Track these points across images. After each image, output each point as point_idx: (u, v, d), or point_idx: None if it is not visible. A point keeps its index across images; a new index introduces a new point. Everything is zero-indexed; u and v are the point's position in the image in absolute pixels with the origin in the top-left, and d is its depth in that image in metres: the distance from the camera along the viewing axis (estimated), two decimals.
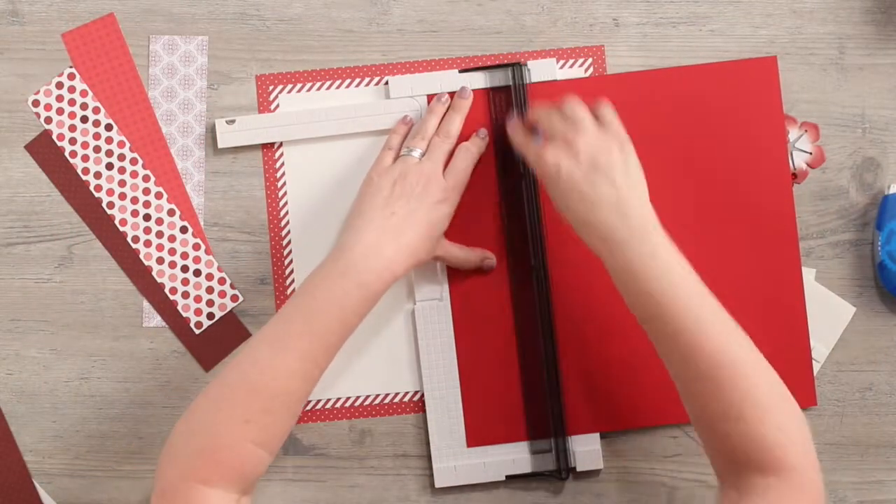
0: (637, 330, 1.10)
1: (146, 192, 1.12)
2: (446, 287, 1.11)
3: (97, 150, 1.12)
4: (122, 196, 1.12)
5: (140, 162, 1.12)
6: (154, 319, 1.11)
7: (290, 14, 1.12)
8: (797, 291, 1.10)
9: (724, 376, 0.91)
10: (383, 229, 1.01)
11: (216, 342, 1.11)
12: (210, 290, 1.11)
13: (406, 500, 1.11)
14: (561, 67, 1.12)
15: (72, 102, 1.11)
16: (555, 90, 1.10)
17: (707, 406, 0.92)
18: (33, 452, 1.11)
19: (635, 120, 1.10)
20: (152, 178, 1.12)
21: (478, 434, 1.10)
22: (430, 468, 1.11)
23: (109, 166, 1.12)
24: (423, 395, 1.11)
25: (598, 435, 1.10)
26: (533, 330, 1.10)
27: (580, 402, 1.09)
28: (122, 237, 1.11)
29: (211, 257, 1.12)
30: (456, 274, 1.10)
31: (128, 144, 1.12)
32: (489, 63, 1.12)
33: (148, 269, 1.11)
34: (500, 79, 1.10)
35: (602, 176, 0.96)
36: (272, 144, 1.12)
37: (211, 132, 1.12)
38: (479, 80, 1.11)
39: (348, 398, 1.11)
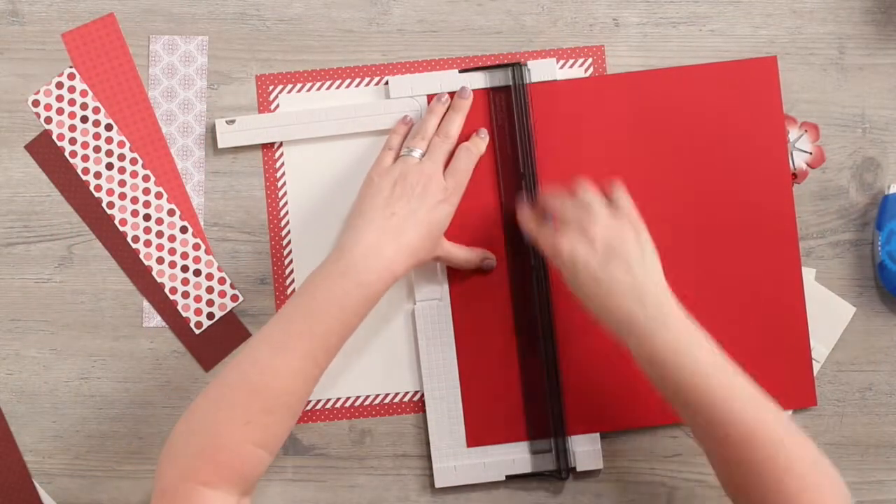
0: None
1: (146, 192, 1.12)
2: (446, 287, 1.11)
3: (97, 150, 1.12)
4: (122, 196, 1.12)
5: (140, 162, 1.12)
6: (154, 319, 1.11)
7: (290, 14, 1.12)
8: (797, 291, 1.10)
9: (762, 457, 0.90)
10: (384, 229, 1.01)
11: (216, 342, 1.11)
12: (210, 290, 1.11)
13: (406, 500, 1.11)
14: (561, 67, 1.12)
15: (72, 102, 1.12)
16: (555, 90, 1.10)
17: (745, 485, 0.91)
18: (33, 452, 1.11)
19: (635, 120, 1.11)
20: (152, 178, 1.12)
21: (478, 434, 1.10)
22: (430, 468, 1.11)
23: (109, 166, 1.12)
24: (423, 395, 1.11)
25: (598, 435, 1.10)
26: (533, 330, 1.10)
27: (580, 402, 1.09)
28: (122, 237, 1.11)
29: (211, 257, 1.12)
30: (456, 274, 1.10)
31: (128, 144, 1.12)
32: (489, 63, 1.12)
33: (148, 269, 1.11)
34: (500, 79, 1.10)
35: (618, 262, 0.96)
36: (272, 144, 1.12)
37: (211, 132, 1.12)
38: (479, 80, 1.11)
39: (348, 398, 1.11)
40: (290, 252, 1.11)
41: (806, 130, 1.12)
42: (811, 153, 1.12)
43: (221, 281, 1.11)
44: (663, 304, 0.95)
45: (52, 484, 1.11)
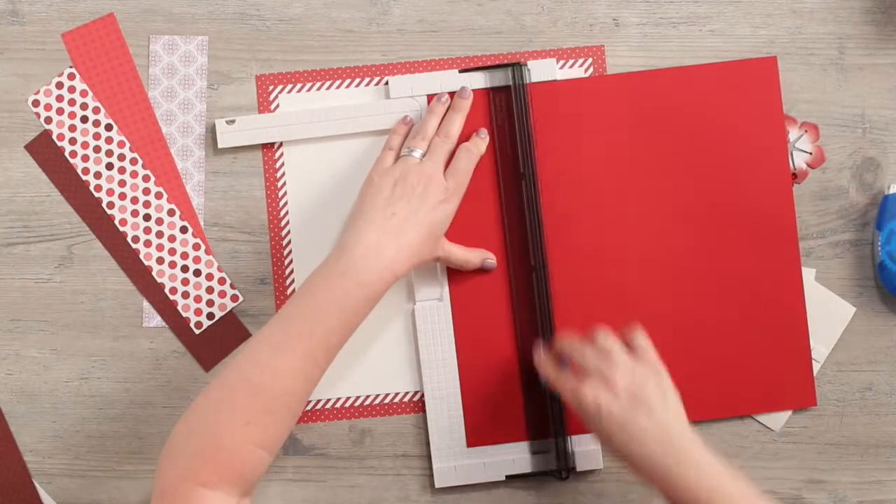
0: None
1: (146, 192, 1.12)
2: (446, 287, 1.11)
3: (97, 150, 1.12)
4: (122, 196, 1.12)
5: (140, 162, 1.12)
6: (154, 319, 1.11)
7: (290, 14, 1.12)
8: (797, 291, 1.10)
9: None
10: (384, 229, 1.00)
11: (216, 342, 1.11)
12: (210, 290, 1.11)
13: (406, 500, 1.11)
14: (561, 67, 1.12)
15: (72, 102, 1.11)
16: (555, 90, 1.10)
17: None
18: (33, 452, 1.11)
19: (635, 120, 1.11)
20: (152, 178, 1.12)
21: (478, 434, 1.10)
22: (430, 468, 1.11)
23: (109, 166, 1.12)
24: (423, 395, 1.11)
25: None
26: (533, 330, 1.10)
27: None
28: (122, 237, 1.11)
29: (211, 257, 1.12)
30: (456, 274, 1.10)
31: (128, 144, 1.12)
32: (489, 63, 1.12)
33: (148, 269, 1.11)
34: (500, 79, 1.10)
35: (642, 408, 0.96)
36: (272, 144, 1.12)
37: (211, 132, 1.12)
38: (479, 80, 1.11)
39: (348, 398, 1.11)
40: (290, 252, 1.11)
41: (806, 130, 1.12)
42: (811, 153, 1.12)
43: (221, 281, 1.11)
44: (690, 448, 0.95)
45: (52, 484, 1.11)
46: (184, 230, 1.12)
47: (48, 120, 1.12)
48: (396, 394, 1.11)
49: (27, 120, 1.12)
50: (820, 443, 1.12)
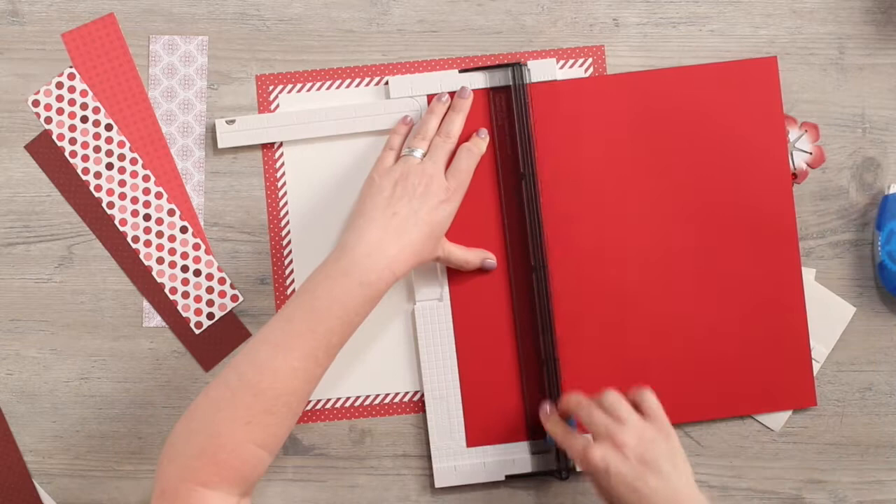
0: (637, 330, 1.10)
1: (146, 192, 1.12)
2: (446, 287, 1.11)
3: (97, 150, 1.12)
4: (122, 196, 1.12)
5: (140, 162, 1.12)
6: (154, 319, 1.11)
7: (290, 14, 1.12)
8: (797, 291, 1.10)
9: None
10: (385, 229, 1.01)
11: (216, 342, 1.11)
12: (210, 290, 1.11)
13: (406, 500, 1.11)
14: (561, 67, 1.12)
15: (72, 102, 1.11)
16: (555, 90, 1.10)
17: None
18: (33, 452, 1.11)
19: (635, 120, 1.11)
20: (152, 178, 1.12)
21: (478, 434, 1.10)
22: (430, 468, 1.11)
23: (109, 166, 1.12)
24: (423, 395, 1.11)
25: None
26: (533, 330, 1.10)
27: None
28: (122, 237, 1.11)
29: (211, 257, 1.12)
30: (456, 274, 1.10)
31: (128, 144, 1.12)
32: (489, 63, 1.12)
33: (148, 269, 1.11)
34: (500, 79, 1.10)
35: (651, 470, 0.95)
36: (272, 144, 1.12)
37: (211, 132, 1.12)
38: (479, 80, 1.11)
39: (348, 398, 1.11)
40: (290, 252, 1.11)
41: (806, 130, 1.12)
42: (811, 153, 1.12)
43: (221, 281, 1.11)
44: (695, 503, 0.96)
45: (52, 484, 1.11)
46: (184, 230, 1.12)
47: (48, 120, 1.12)
48: (396, 394, 1.11)
49: (27, 120, 1.12)
50: (820, 443, 1.12)
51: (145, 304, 1.11)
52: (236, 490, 0.93)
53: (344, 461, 1.11)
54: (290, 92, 1.12)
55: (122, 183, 1.11)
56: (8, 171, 1.12)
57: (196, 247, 1.12)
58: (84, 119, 1.11)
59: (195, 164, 1.12)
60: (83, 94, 1.12)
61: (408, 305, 1.11)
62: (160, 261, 1.11)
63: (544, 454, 1.10)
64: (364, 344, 1.10)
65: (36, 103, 1.12)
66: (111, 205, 1.11)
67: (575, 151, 1.10)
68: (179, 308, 1.11)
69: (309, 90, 1.12)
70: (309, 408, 1.11)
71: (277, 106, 1.12)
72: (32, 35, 1.12)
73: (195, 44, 1.12)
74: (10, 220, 1.12)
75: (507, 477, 1.10)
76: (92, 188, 1.11)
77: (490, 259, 1.10)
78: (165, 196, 1.12)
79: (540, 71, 1.11)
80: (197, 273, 1.11)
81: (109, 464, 1.11)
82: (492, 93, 1.11)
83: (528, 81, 1.10)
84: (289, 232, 1.12)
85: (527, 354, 1.10)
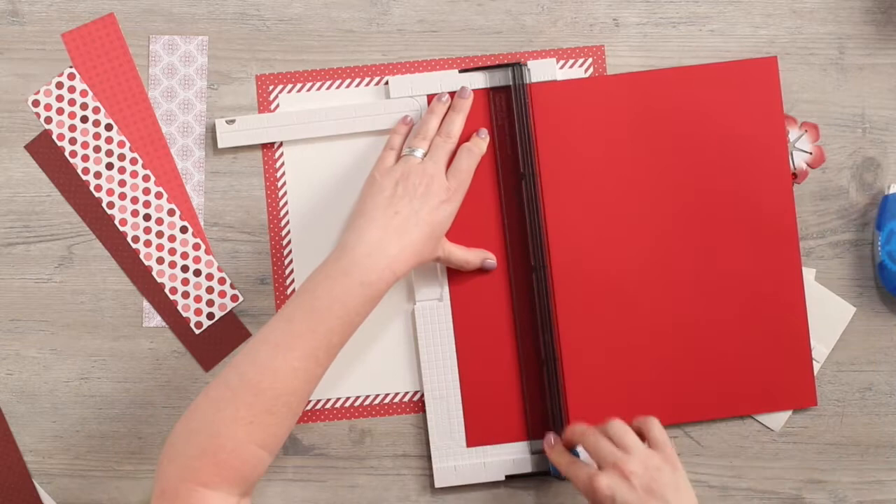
0: (637, 330, 1.10)
1: (146, 192, 1.12)
2: (446, 287, 1.11)
3: (97, 150, 1.12)
4: (122, 196, 1.12)
5: (140, 162, 1.12)
6: (154, 319, 1.11)
7: (290, 14, 1.12)
8: (797, 291, 1.10)
9: None
10: (386, 228, 1.01)
11: (216, 342, 1.11)
12: (210, 290, 1.11)
13: (406, 500, 1.11)
14: (561, 67, 1.12)
15: (72, 102, 1.11)
16: (555, 90, 1.10)
17: None
18: (33, 452, 1.11)
19: (635, 120, 1.11)
20: (152, 178, 1.12)
21: (478, 434, 1.10)
22: (430, 468, 1.11)
23: (109, 166, 1.12)
24: (423, 395, 1.11)
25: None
26: (533, 330, 1.10)
27: (580, 403, 1.09)
28: (122, 237, 1.11)
29: (211, 257, 1.12)
30: (456, 274, 1.10)
31: (128, 144, 1.12)
32: (489, 63, 1.12)
33: (148, 269, 1.11)
34: (500, 79, 1.10)
35: (657, 499, 0.95)
36: (272, 144, 1.12)
37: (211, 132, 1.12)
38: (479, 80, 1.11)
39: (348, 398, 1.11)
40: (290, 252, 1.11)
41: (806, 130, 1.12)
42: (811, 153, 1.12)
43: (221, 281, 1.11)
44: None
45: (52, 484, 1.11)
46: (184, 230, 1.12)
47: (48, 120, 1.12)
48: (396, 394, 1.11)
49: (27, 120, 1.12)
50: (820, 443, 1.12)
51: (145, 304, 1.11)
52: (236, 490, 0.93)
53: (344, 461, 1.11)
54: (290, 92, 1.12)
55: (122, 183, 1.11)
56: (8, 171, 1.12)
57: (196, 247, 1.12)
58: (84, 119, 1.12)
59: (195, 164, 1.12)
60: (83, 94, 1.12)
61: (408, 305, 1.11)
62: (160, 261, 1.11)
63: (544, 454, 1.10)
64: (364, 344, 1.10)
65: (36, 103, 1.12)
66: (111, 205, 1.11)
67: (575, 151, 1.10)
68: (179, 308, 1.11)
69: (309, 90, 1.12)
70: (309, 408, 1.11)
71: (277, 106, 1.12)
72: (32, 35, 1.12)
73: (195, 44, 1.12)
74: (10, 220, 1.12)
75: (507, 477, 1.10)
76: (92, 188, 1.11)
77: (490, 259, 1.10)
78: (165, 196, 1.12)
79: (540, 71, 1.11)
80: (197, 273, 1.11)
81: (109, 464, 1.11)
82: (492, 93, 1.11)
83: (528, 81, 1.10)
84: (289, 232, 1.12)
85: (527, 354, 1.10)
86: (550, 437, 1.07)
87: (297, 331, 0.96)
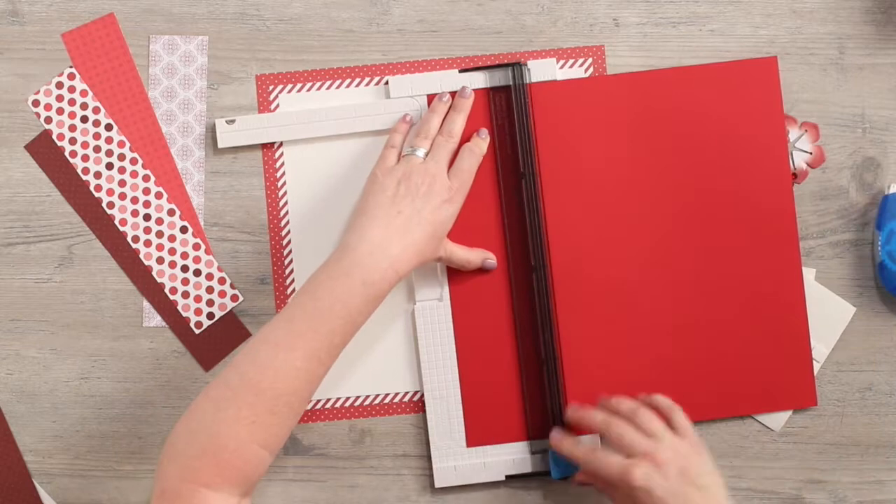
0: (637, 330, 1.10)
1: (146, 192, 1.12)
2: (446, 287, 1.11)
3: (97, 150, 1.12)
4: (122, 196, 1.12)
5: (140, 162, 1.12)
6: (154, 319, 1.11)
7: (290, 14, 1.12)
8: (797, 291, 1.10)
9: None
10: (389, 228, 1.00)
11: (216, 342, 1.11)
12: (210, 290, 1.11)
13: (406, 500, 1.11)
14: (561, 67, 1.12)
15: (72, 102, 1.11)
16: (555, 90, 1.10)
17: None
18: (33, 452, 1.11)
19: (635, 120, 1.11)
20: (152, 178, 1.12)
21: (478, 434, 1.10)
22: (430, 468, 1.11)
23: (109, 166, 1.12)
24: (423, 395, 1.11)
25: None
26: (533, 330, 1.10)
27: (580, 402, 1.09)
28: (122, 237, 1.11)
29: (211, 257, 1.12)
30: (456, 274, 1.10)
31: (128, 144, 1.12)
32: (489, 63, 1.12)
33: (148, 269, 1.11)
34: (500, 79, 1.10)
35: (690, 485, 0.97)
36: (272, 144, 1.12)
37: (211, 132, 1.12)
38: (479, 80, 1.11)
39: (348, 398, 1.11)
40: (290, 252, 1.11)
41: (806, 130, 1.12)
42: (811, 153, 1.12)
43: (221, 281, 1.11)
44: None
45: (52, 484, 1.11)
46: (184, 230, 1.12)
47: (48, 120, 1.12)
48: (396, 394, 1.11)
49: (27, 120, 1.12)
50: (820, 443, 1.12)
51: (145, 304, 1.11)
52: (237, 490, 0.93)
53: (344, 461, 1.11)
54: (290, 92, 1.12)
55: (122, 183, 1.11)
56: (8, 171, 1.12)
57: (196, 247, 1.12)
58: (84, 119, 1.12)
59: (195, 164, 1.12)
60: (83, 94, 1.12)
61: (408, 305, 1.11)
62: (160, 261, 1.11)
63: (544, 454, 1.10)
64: (364, 344, 1.10)
65: (36, 103, 1.12)
66: (111, 205, 1.11)
67: (575, 151, 1.10)
68: (179, 308, 1.11)
69: (309, 90, 1.12)
70: (309, 408, 1.11)
71: (277, 106, 1.12)
72: (32, 35, 1.12)
73: (195, 44, 1.12)
74: (10, 220, 1.12)
75: (507, 477, 1.10)
76: (92, 188, 1.11)
77: (491, 259, 1.10)
78: (165, 196, 1.12)
79: (540, 71, 1.11)
80: (197, 273, 1.11)
81: (109, 464, 1.11)
82: (492, 93, 1.11)
83: (528, 81, 1.10)
84: (289, 232, 1.12)
85: (527, 354, 1.10)
86: (556, 433, 1.06)
87: (298, 331, 0.96)
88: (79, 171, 1.11)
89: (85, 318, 1.11)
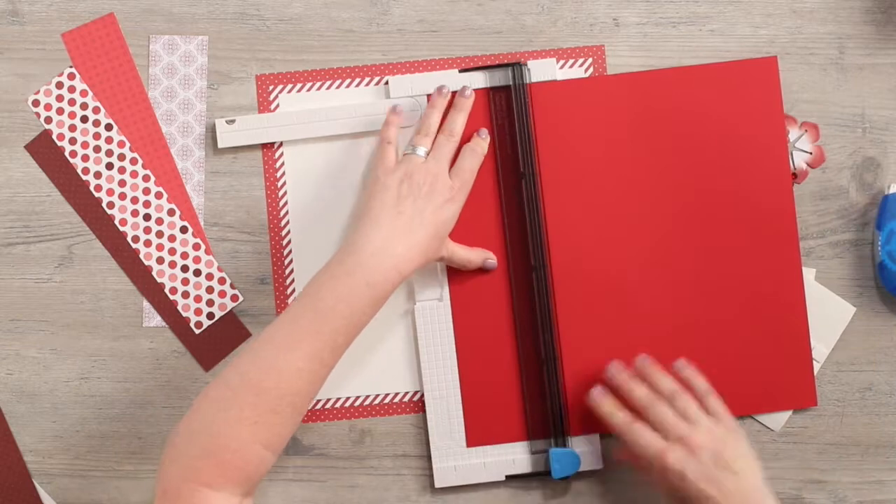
0: (637, 330, 1.10)
1: (146, 192, 1.12)
2: (446, 287, 1.11)
3: (97, 150, 1.12)
4: (122, 196, 1.12)
5: (140, 162, 1.12)
6: (154, 319, 1.11)
7: (290, 14, 1.12)
8: (797, 291, 1.10)
9: None
10: (392, 228, 1.00)
11: (216, 342, 1.11)
12: (210, 290, 1.11)
13: (406, 500, 1.11)
14: (561, 67, 1.12)
15: (72, 102, 1.11)
16: (555, 90, 1.10)
17: None
18: (33, 452, 1.11)
19: (635, 120, 1.11)
20: (152, 178, 1.12)
21: (478, 434, 1.10)
22: (430, 468, 1.11)
23: (109, 166, 1.12)
24: (423, 395, 1.11)
25: (597, 435, 1.10)
26: (533, 330, 1.10)
27: (580, 403, 1.09)
28: (122, 237, 1.11)
29: (211, 257, 1.12)
30: (456, 274, 1.10)
31: (128, 144, 1.12)
32: (489, 63, 1.12)
33: (148, 269, 1.11)
34: (500, 79, 1.10)
35: (724, 470, 0.98)
36: (272, 144, 1.12)
37: (211, 132, 1.12)
38: (479, 80, 1.11)
39: (348, 398, 1.11)
40: (290, 252, 1.11)
41: (806, 130, 1.12)
42: (811, 153, 1.12)
43: (221, 281, 1.11)
44: (765, 499, 0.99)
45: (52, 484, 1.11)
46: (184, 230, 1.12)
47: (48, 120, 1.12)
48: (396, 394, 1.11)
49: (27, 120, 1.12)
50: (820, 443, 1.12)
51: (145, 304, 1.11)
52: (239, 490, 0.93)
53: (344, 461, 1.11)
54: (290, 92, 1.12)
55: (122, 183, 1.11)
56: (8, 171, 1.12)
57: (196, 247, 1.12)
58: (84, 119, 1.11)
59: (195, 164, 1.12)
60: (83, 94, 1.12)
61: (408, 305, 1.11)
62: (160, 261, 1.11)
63: (544, 454, 1.10)
64: (364, 344, 1.10)
65: (36, 103, 1.12)
66: (111, 205, 1.11)
67: (575, 151, 1.10)
68: (179, 308, 1.11)
69: (309, 90, 1.12)
70: (309, 408, 1.11)
71: (277, 106, 1.12)
72: (32, 35, 1.12)
73: (195, 44, 1.12)
74: (10, 220, 1.12)
75: (507, 477, 1.10)
76: (92, 188, 1.11)
77: (491, 259, 1.10)
78: (165, 196, 1.12)
79: (540, 71, 1.11)
80: (197, 273, 1.11)
81: (109, 464, 1.11)
82: (492, 93, 1.11)
83: (528, 81, 1.10)
84: (289, 232, 1.12)
85: (527, 354, 1.10)
86: (597, 391, 1.06)
87: (301, 331, 0.96)
88: (79, 171, 1.11)
89: (85, 318, 1.11)
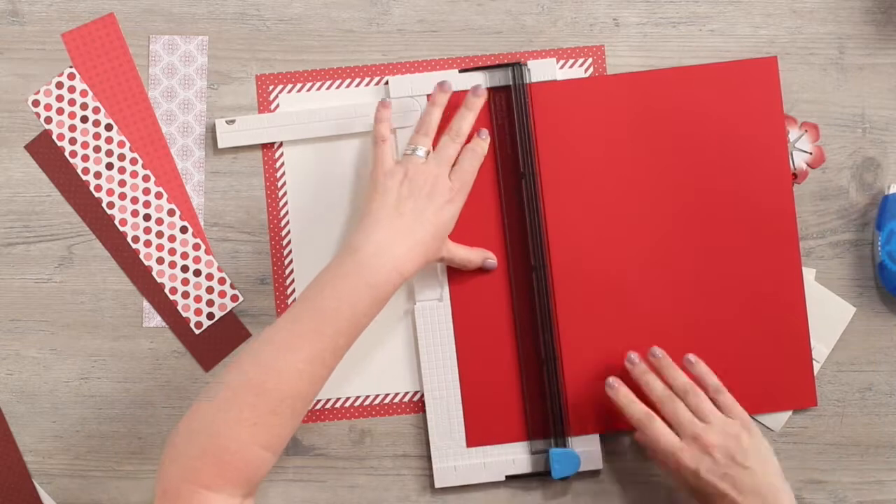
0: (637, 330, 1.10)
1: (146, 192, 1.12)
2: (446, 287, 1.11)
3: (97, 150, 1.12)
4: (122, 196, 1.12)
5: (140, 162, 1.12)
6: (154, 319, 1.11)
7: (290, 14, 1.12)
8: (797, 291, 1.10)
9: None
10: (392, 229, 1.00)
11: (216, 342, 1.11)
12: (210, 290, 1.11)
13: (406, 500, 1.11)
14: (561, 67, 1.12)
15: (72, 102, 1.11)
16: (555, 90, 1.10)
17: None
18: (33, 452, 1.11)
19: (635, 120, 1.11)
20: (152, 178, 1.12)
21: (478, 434, 1.10)
22: (430, 468, 1.11)
23: (109, 166, 1.12)
24: (423, 395, 1.11)
25: (597, 435, 1.10)
26: (533, 330, 1.10)
27: (580, 403, 1.09)
28: (122, 237, 1.11)
29: (211, 257, 1.12)
30: (456, 274, 1.10)
31: (128, 144, 1.12)
32: (489, 63, 1.12)
33: (148, 269, 1.11)
34: (500, 79, 1.10)
35: (738, 467, 0.99)
36: (272, 144, 1.12)
37: (211, 132, 1.12)
38: (479, 80, 1.10)
39: (348, 398, 1.11)
40: (290, 252, 1.11)
41: (806, 130, 1.12)
42: (811, 153, 1.12)
43: (221, 281, 1.11)
44: (782, 494, 1.00)
45: (52, 484, 1.11)
46: (184, 230, 1.12)
47: (48, 120, 1.12)
48: (396, 394, 1.11)
49: (27, 120, 1.12)
50: (820, 443, 1.12)
51: (145, 304, 1.11)
52: (239, 491, 0.92)
53: (344, 461, 1.11)
54: (290, 92, 1.12)
55: (122, 183, 1.11)
56: (8, 171, 1.12)
57: (196, 247, 1.12)
58: (84, 119, 1.11)
59: (195, 164, 1.12)
60: (83, 94, 1.12)
61: (408, 305, 1.11)
62: (160, 261, 1.11)
63: (544, 454, 1.10)
64: (364, 344, 1.10)
65: (36, 103, 1.12)
66: (111, 205, 1.11)
67: (575, 151, 1.10)
68: (179, 308, 1.11)
69: (309, 90, 1.12)
70: (309, 408, 1.11)
71: (277, 106, 1.12)
72: (32, 35, 1.12)
73: (195, 44, 1.12)
74: (10, 220, 1.12)
75: (506, 477, 1.10)
76: (92, 188, 1.11)
77: (491, 259, 1.10)
78: (165, 196, 1.12)
79: (540, 71, 1.11)
80: (197, 273, 1.11)
81: (109, 464, 1.11)
82: (492, 93, 1.10)
83: (528, 81, 1.10)
84: (289, 232, 1.12)
85: (527, 354, 1.10)
86: (614, 381, 1.06)
87: (302, 332, 0.96)
88: (79, 171, 1.11)
89: (85, 318, 1.11)
